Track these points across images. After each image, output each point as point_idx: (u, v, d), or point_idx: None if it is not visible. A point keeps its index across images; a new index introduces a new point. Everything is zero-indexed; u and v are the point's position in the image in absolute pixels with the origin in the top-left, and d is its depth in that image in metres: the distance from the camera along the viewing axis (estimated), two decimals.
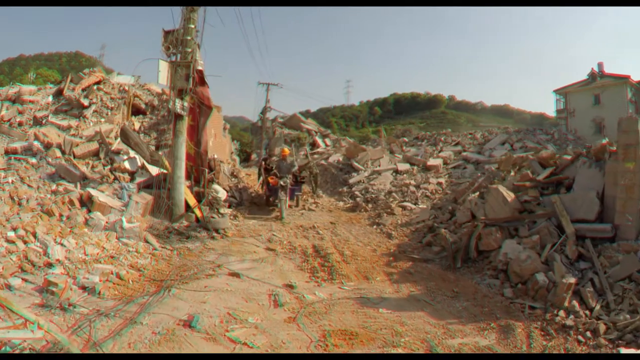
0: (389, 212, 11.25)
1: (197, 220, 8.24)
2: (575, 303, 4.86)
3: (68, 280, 4.32)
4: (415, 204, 12.11)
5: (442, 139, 21.96)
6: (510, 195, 7.31)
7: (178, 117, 7.92)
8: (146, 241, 6.46)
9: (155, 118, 12.68)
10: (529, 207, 7.20)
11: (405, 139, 23.08)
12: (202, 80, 8.35)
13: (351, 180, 15.52)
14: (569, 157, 8.01)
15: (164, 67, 7.56)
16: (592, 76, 32.96)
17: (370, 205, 12.35)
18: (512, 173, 9.70)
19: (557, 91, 35.74)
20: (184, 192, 8.21)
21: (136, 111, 13.08)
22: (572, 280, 5.07)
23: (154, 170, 8.76)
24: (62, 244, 5.30)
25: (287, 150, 12.03)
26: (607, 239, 6.06)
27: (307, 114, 44.84)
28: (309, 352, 3.72)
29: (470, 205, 8.27)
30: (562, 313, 4.70)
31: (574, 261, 5.84)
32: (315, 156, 20.03)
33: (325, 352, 3.75)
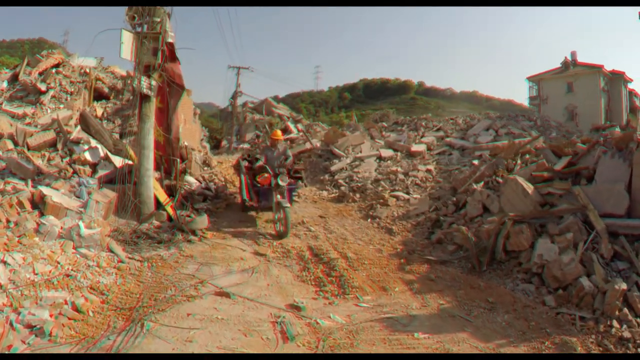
0: (383, 203, 10.57)
1: (170, 219, 7.22)
2: (626, 311, 4.41)
3: (10, 316, 3.30)
4: (408, 193, 11.53)
5: (423, 124, 21.54)
6: (530, 187, 6.78)
7: (144, 98, 6.76)
8: (110, 250, 5.37)
9: (120, 103, 11.54)
10: (550, 201, 6.71)
11: (384, 124, 22.56)
12: (172, 55, 7.20)
13: (333, 168, 14.74)
14: (584, 146, 7.62)
15: (127, 39, 6.37)
16: (566, 65, 33.97)
17: (358, 195, 11.62)
18: (519, 162, 9.27)
19: (530, 78, 36.69)
20: (153, 187, 7.13)
21: (99, 96, 12.10)
22: (624, 286, 4.58)
23: (118, 161, 7.59)
24: (4, 262, 4.16)
25: (279, 133, 8.75)
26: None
27: (276, 100, 43.98)
28: None
29: (481, 197, 7.70)
30: (615, 323, 4.21)
31: (609, 261, 5.40)
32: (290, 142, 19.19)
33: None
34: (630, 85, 35.18)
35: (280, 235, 7.16)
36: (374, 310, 4.57)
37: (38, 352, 3.15)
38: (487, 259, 5.78)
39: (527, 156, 10.05)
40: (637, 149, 6.09)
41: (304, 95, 78.52)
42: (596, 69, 32.08)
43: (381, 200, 10.72)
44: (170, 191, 7.78)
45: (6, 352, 2.99)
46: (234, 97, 25.65)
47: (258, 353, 3.62)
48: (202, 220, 7.40)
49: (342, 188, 12.60)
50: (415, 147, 17.24)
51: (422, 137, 19.82)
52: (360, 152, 16.29)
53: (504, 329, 4.23)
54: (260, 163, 8.08)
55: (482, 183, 8.84)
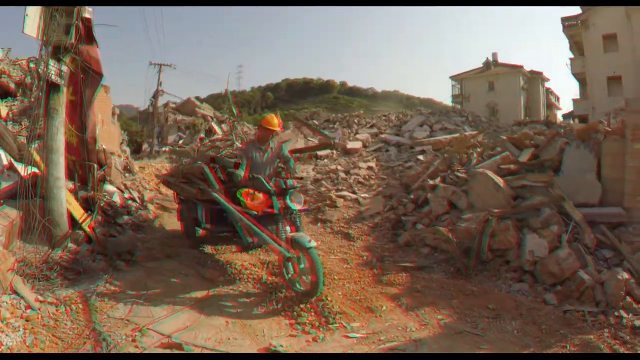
0: (331, 205, 10.18)
1: (89, 240, 6.06)
2: (630, 299, 4.44)
3: None
4: (354, 192, 11.32)
5: (356, 121, 21.73)
6: (501, 181, 6.79)
7: (53, 88, 5.54)
8: (15, 292, 4.18)
9: (29, 101, 9.80)
10: (521, 194, 6.78)
11: (316, 122, 22.33)
12: (89, 35, 5.99)
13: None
14: (543, 138, 7.90)
15: (33, 12, 5.08)
16: (487, 65, 37.29)
17: None
18: (475, 156, 9.42)
19: (454, 78, 39.62)
20: (67, 201, 5.92)
21: (4, 93, 10.11)
22: (627, 275, 4.64)
23: (26, 171, 6.22)
24: None
25: (275, 121, 5.71)
26: (616, 224, 5.92)
27: (198, 100, 42.37)
28: None
29: (446, 193, 7.59)
30: (624, 313, 4.25)
31: (594, 251, 5.52)
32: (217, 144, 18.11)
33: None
34: (548, 84, 39.65)
35: (308, 294, 4.57)
36: (370, 341, 3.91)
37: None
38: (475, 261, 5.60)
39: (479, 149, 10.35)
40: (604, 140, 6.38)
41: (226, 95, 78.67)
42: (516, 69, 35.68)
43: (328, 202, 10.32)
44: (88, 205, 6.57)
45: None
46: (156, 96, 23.62)
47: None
48: (130, 239, 6.30)
49: None
50: (351, 145, 17.23)
51: (356, 134, 20.00)
52: None
53: (518, 338, 3.92)
54: (241, 172, 5.25)
55: (439, 179, 8.83)
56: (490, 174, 6.86)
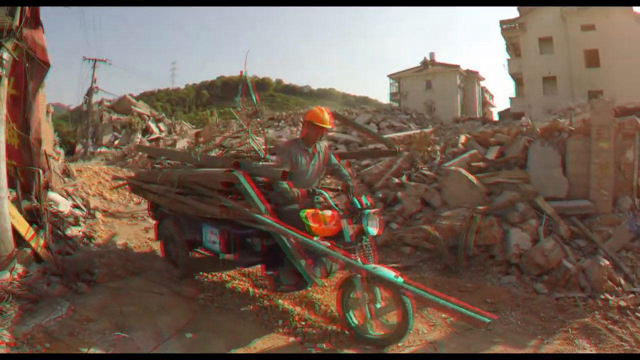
0: None
1: (38, 259, 5.46)
2: (610, 283, 5.00)
3: None
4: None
5: (302, 119, 21.74)
6: (474, 179, 7.15)
7: None
8: None
9: None
10: (492, 190, 7.19)
11: (260, 120, 22.08)
12: (35, 17, 5.47)
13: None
14: (507, 136, 8.44)
15: None
16: (425, 64, 39.29)
17: None
18: (438, 153, 9.81)
19: (391, 76, 41.37)
20: (9, 214, 5.33)
21: None
22: (607, 262, 5.15)
23: None
24: None
25: (324, 112, 4.53)
26: (584, 215, 6.50)
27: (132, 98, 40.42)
28: None
29: (417, 191, 7.85)
30: (608, 296, 4.81)
31: (569, 240, 6.03)
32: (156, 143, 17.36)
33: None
34: (483, 83, 42.58)
35: (387, 339, 3.79)
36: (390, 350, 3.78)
37: None
38: (462, 257, 5.85)
39: (439, 146, 10.81)
40: (568, 138, 6.98)
41: (160, 93, 77.66)
42: (453, 68, 37.95)
43: None
44: (32, 217, 5.96)
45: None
46: (89, 93, 21.84)
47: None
48: (87, 257, 5.62)
49: None
50: None
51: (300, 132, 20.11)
52: None
53: (523, 328, 4.25)
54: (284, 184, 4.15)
55: (404, 176, 9.12)
56: (463, 171, 7.20)
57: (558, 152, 7.00)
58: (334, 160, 4.79)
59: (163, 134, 19.84)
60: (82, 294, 4.80)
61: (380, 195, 9.32)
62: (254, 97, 5.38)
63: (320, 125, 4.40)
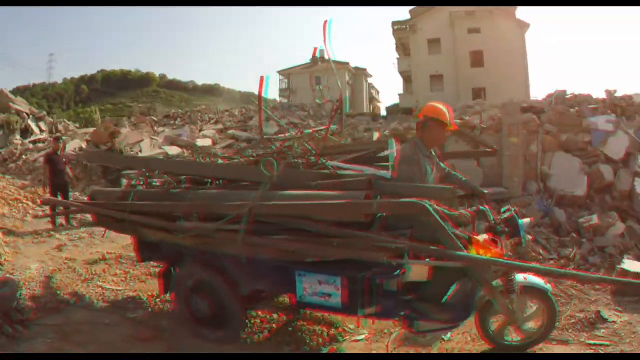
0: None
1: None
2: (533, 254, 6.02)
3: None
4: None
5: (200, 117, 21.37)
6: None
7: None
8: None
9: None
10: None
11: (154, 119, 21.10)
12: None
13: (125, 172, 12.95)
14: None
15: None
16: (314, 61, 40.50)
17: None
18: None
19: (281, 72, 42.03)
20: None
21: None
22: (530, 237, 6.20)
23: None
24: None
25: (445, 107, 3.58)
26: (500, 200, 7.66)
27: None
28: None
29: None
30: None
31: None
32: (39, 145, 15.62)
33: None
34: (370, 80, 45.17)
35: (532, 344, 3.53)
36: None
37: None
38: None
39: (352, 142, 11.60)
40: (481, 134, 8.13)
41: (35, 88, 71.70)
42: (343, 65, 39.77)
43: None
44: None
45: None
46: None
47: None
48: (14, 292, 4.24)
49: None
50: (201, 143, 16.94)
51: (201, 130, 19.68)
52: (141, 151, 14.73)
53: None
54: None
55: None
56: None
57: (471, 147, 8.07)
58: (442, 164, 3.84)
59: (44, 135, 17.80)
60: (21, 339, 3.71)
61: None
62: (339, 83, 4.79)
63: (448, 123, 3.54)
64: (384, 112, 34.25)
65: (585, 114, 8.05)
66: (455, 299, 3.29)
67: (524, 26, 29.91)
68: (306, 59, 42.06)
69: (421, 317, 3.29)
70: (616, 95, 8.27)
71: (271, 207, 3.36)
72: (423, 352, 3.50)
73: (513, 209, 3.52)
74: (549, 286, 3.44)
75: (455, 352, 3.67)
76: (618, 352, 3.60)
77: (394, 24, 33.34)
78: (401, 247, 3.02)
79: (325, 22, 4.22)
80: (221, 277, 3.78)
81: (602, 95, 8.77)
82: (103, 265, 5.65)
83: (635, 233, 6.34)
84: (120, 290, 4.87)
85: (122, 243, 6.48)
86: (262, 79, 4.21)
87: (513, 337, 3.53)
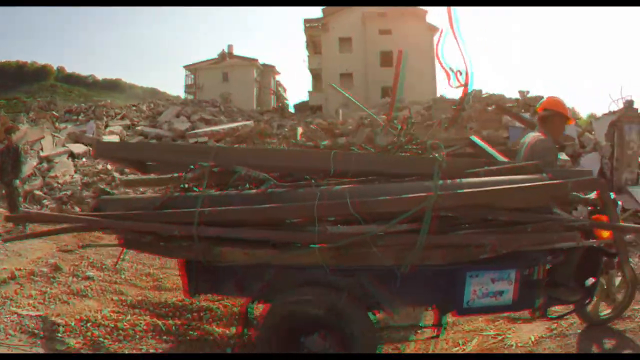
0: None
1: None
2: None
3: None
4: (143, 194, 10.44)
5: (105, 112, 19.46)
6: None
7: None
8: None
9: None
10: None
11: (55, 114, 18.75)
12: None
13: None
14: (350, 128, 9.36)
15: None
16: (222, 56, 39.26)
17: (79, 209, 9.35)
18: (284, 146, 10.15)
19: (187, 67, 40.24)
20: None
21: None
22: None
23: None
24: None
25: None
26: None
27: None
28: None
29: None
30: None
31: None
32: None
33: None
34: (278, 77, 44.62)
35: (618, 312, 3.62)
36: None
37: None
38: None
39: (276, 139, 11.20)
40: (412, 128, 8.23)
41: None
42: (251, 61, 38.98)
43: None
44: None
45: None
46: None
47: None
48: None
49: (47, 203, 9.76)
50: (107, 139, 15.58)
51: (106, 127, 18.07)
52: (42, 150, 12.95)
53: None
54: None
55: None
56: None
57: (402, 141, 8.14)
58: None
59: None
60: None
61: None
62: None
63: (569, 116, 3.75)
64: (292, 110, 33.94)
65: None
66: (581, 279, 3.27)
67: (433, 29, 31.37)
68: (214, 54, 40.49)
69: (555, 302, 3.28)
70: (529, 95, 8.71)
71: (457, 198, 2.75)
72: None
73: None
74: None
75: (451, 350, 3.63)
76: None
77: (306, 21, 33.28)
78: (587, 225, 2.98)
79: (449, 8, 3.92)
80: (356, 301, 2.91)
81: (515, 96, 9.24)
82: (13, 286, 4.57)
83: None
84: (40, 316, 3.93)
85: (32, 256, 5.46)
86: (400, 52, 3.72)
87: (604, 311, 3.59)
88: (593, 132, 7.84)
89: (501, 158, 3.38)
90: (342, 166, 3.09)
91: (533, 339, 3.52)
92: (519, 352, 3.40)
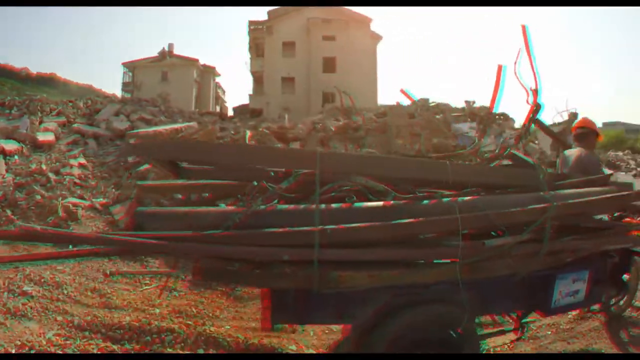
0: (68, 218, 8.15)
1: None
2: None
3: None
4: (82, 198, 9.50)
5: (39, 107, 17.69)
6: None
7: None
8: None
9: None
10: None
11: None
12: None
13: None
14: (301, 132, 9.08)
15: None
16: (163, 54, 37.54)
17: (10, 213, 8.29)
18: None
19: (126, 64, 38.12)
20: None
21: None
22: None
23: None
24: None
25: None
26: None
27: None
28: None
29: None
30: None
31: None
32: None
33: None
34: (218, 79, 43.38)
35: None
36: None
37: None
38: None
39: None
40: (366, 135, 8.11)
41: None
42: (191, 61, 37.58)
43: (61, 214, 8.20)
44: None
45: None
46: None
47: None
48: None
49: None
50: (42, 137, 14.13)
51: (41, 123, 16.51)
52: None
53: None
54: None
55: None
56: None
57: (354, 146, 8.00)
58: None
59: None
60: None
61: (180, 196, 8.54)
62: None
63: (599, 134, 4.44)
64: (231, 112, 33.18)
65: (449, 121, 8.48)
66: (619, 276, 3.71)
67: (376, 38, 31.79)
68: (154, 52, 38.61)
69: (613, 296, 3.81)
70: (474, 105, 8.90)
71: (566, 207, 2.92)
72: None
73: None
74: None
75: None
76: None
77: (250, 23, 32.58)
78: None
79: (523, 26, 3.84)
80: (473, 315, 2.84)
81: (461, 105, 9.41)
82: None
83: None
84: None
85: None
86: (500, 67, 3.71)
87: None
88: (537, 142, 8.12)
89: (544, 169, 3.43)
90: (457, 177, 2.95)
91: (509, 343, 3.55)
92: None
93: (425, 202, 2.70)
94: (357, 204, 2.59)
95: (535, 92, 3.63)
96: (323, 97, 27.87)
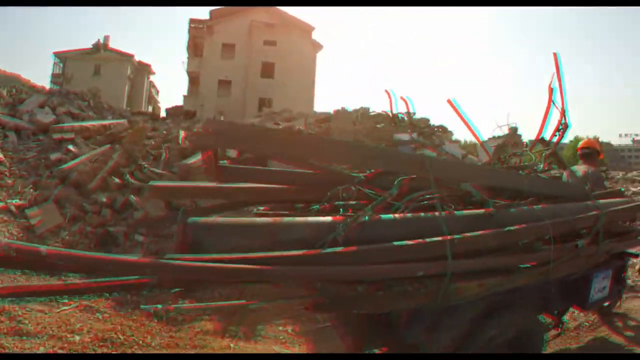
0: None
1: None
2: None
3: None
4: None
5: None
6: None
7: None
8: None
9: None
10: None
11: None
12: None
13: None
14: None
15: None
16: (97, 47, 34.77)
17: None
18: (165, 150, 8.94)
19: (57, 54, 35.01)
20: None
21: None
22: None
23: None
24: None
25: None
26: None
27: None
28: None
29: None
30: None
31: None
32: None
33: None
34: (152, 78, 40.95)
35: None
36: None
37: None
38: None
39: (154, 141, 9.91)
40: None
41: None
42: (126, 57, 35.15)
43: None
44: None
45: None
46: None
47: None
48: None
49: None
50: None
51: None
52: None
53: None
54: None
55: (128, 175, 8.08)
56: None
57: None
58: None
59: None
60: None
61: (105, 199, 7.71)
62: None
63: (601, 153, 4.88)
64: (163, 113, 31.30)
65: (390, 130, 8.47)
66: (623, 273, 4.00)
67: (317, 46, 31.48)
68: (88, 44, 35.63)
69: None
70: (415, 117, 8.93)
71: (609, 215, 3.21)
72: None
73: None
74: None
75: None
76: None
77: (191, 21, 31.08)
78: None
79: (554, 54, 3.95)
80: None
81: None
82: None
83: None
84: None
85: None
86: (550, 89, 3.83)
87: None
88: (477, 155, 8.26)
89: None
90: (530, 188, 3.07)
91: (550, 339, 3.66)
92: None
93: (515, 210, 2.76)
94: (458, 212, 2.50)
95: (563, 112, 3.82)
96: (259, 102, 27.12)
